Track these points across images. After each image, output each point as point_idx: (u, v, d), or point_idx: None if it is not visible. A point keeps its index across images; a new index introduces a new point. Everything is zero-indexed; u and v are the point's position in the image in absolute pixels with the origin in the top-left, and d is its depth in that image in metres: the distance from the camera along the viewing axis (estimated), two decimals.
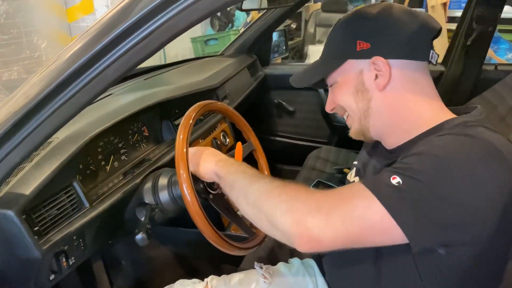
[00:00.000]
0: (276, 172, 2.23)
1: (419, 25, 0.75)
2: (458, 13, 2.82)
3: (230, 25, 4.69)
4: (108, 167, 1.08)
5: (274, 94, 2.27)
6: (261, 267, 0.95)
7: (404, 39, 0.74)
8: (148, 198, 1.02)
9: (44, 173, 0.85)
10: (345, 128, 0.87)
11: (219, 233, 0.82)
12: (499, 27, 2.71)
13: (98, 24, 0.65)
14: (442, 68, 1.94)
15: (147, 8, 0.60)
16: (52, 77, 0.66)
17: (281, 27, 2.35)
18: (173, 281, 1.03)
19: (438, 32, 0.77)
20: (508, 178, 0.63)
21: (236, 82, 1.90)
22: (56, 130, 0.71)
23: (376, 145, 0.87)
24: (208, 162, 0.86)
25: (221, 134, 1.56)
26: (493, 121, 1.34)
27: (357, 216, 0.63)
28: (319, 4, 4.53)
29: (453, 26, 2.33)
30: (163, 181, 1.02)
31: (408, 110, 0.76)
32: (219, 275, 1.00)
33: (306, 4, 4.49)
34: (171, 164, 1.11)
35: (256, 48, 2.21)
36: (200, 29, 4.66)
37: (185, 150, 0.84)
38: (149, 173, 1.10)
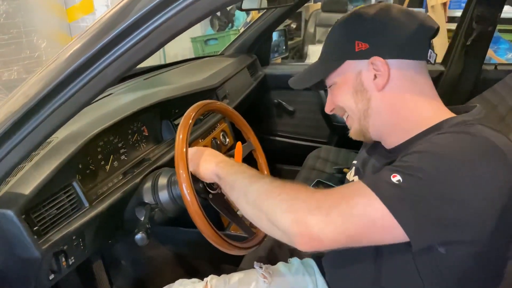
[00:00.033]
0: (276, 172, 2.23)
1: (417, 25, 0.75)
2: (458, 13, 2.81)
3: (230, 25, 4.68)
4: (107, 167, 1.08)
5: (274, 94, 2.27)
6: (260, 267, 0.95)
7: (403, 39, 0.74)
8: (148, 198, 1.01)
9: (44, 172, 0.85)
10: (345, 128, 0.87)
11: (218, 233, 0.82)
12: (499, 27, 2.71)
13: (98, 24, 0.65)
14: (442, 68, 1.94)
15: (146, 8, 0.60)
16: (52, 77, 0.66)
17: (281, 27, 2.34)
18: (173, 280, 1.03)
19: (436, 32, 0.77)
20: (508, 178, 0.63)
21: (236, 82, 1.90)
22: (56, 129, 0.71)
23: (376, 145, 0.87)
24: (209, 163, 0.86)
25: (221, 134, 1.56)
26: (493, 121, 1.34)
27: (358, 214, 0.63)
28: (319, 4, 4.53)
29: (453, 26, 2.33)
30: (162, 181, 1.01)
31: (407, 110, 0.76)
32: (219, 274, 1.00)
33: (306, 4, 4.50)
34: (170, 164, 1.11)
35: (256, 48, 2.20)
36: (200, 29, 4.66)
37: (184, 150, 0.84)
38: (148, 173, 1.10)
